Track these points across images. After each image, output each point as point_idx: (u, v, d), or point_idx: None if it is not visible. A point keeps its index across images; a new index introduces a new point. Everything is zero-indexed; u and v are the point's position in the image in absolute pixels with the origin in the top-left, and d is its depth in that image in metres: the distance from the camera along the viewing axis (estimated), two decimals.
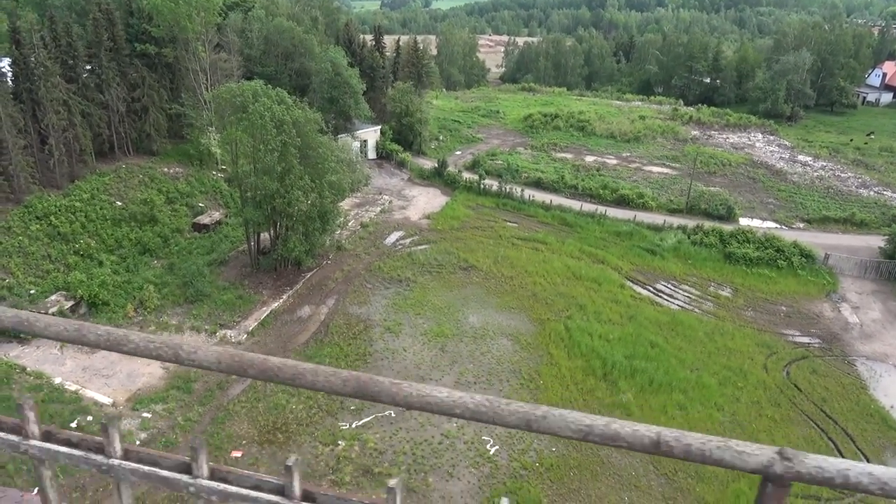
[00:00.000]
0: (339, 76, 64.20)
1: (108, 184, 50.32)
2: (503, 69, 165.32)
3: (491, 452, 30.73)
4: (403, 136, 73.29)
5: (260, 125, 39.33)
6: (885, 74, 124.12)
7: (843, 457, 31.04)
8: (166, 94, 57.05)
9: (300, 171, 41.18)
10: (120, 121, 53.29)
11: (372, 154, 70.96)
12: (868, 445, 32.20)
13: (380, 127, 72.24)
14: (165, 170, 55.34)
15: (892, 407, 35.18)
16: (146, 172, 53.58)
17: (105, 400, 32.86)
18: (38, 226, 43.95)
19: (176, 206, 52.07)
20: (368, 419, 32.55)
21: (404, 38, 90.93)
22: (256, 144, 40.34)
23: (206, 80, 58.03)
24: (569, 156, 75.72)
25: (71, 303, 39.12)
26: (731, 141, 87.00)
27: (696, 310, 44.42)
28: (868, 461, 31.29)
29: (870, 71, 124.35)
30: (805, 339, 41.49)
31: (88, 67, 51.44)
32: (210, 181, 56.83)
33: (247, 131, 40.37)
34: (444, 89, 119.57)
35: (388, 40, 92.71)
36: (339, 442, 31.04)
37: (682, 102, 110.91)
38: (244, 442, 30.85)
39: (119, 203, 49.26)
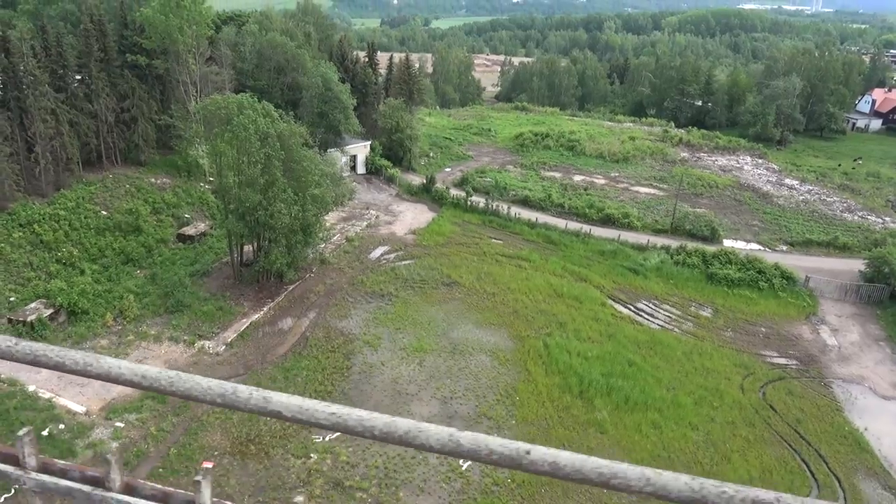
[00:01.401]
0: (330, 91, 64.73)
1: (93, 193, 50.44)
2: (499, 88, 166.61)
3: (463, 468, 30.65)
4: (393, 152, 73.75)
5: (244, 137, 39.62)
6: (874, 101, 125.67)
7: (815, 479, 31.18)
8: (156, 105, 57.39)
9: (283, 184, 41.42)
10: (108, 130, 53.54)
11: (361, 169, 71.34)
12: (840, 467, 32.26)
13: (370, 142, 72.71)
14: (153, 180, 55.53)
15: (865, 429, 35.29)
16: (133, 182, 53.75)
17: (78, 408, 32.73)
18: (20, 233, 43.98)
19: (161, 217, 52.18)
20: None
21: (398, 55, 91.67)
22: (240, 156, 40.61)
23: (197, 92, 58.45)
24: (557, 175, 76.23)
25: (50, 311, 39.04)
26: (720, 163, 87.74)
27: (676, 329, 44.58)
28: (840, 483, 31.39)
29: (860, 97, 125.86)
30: (783, 361, 41.65)
31: (79, 77, 51.80)
32: (197, 192, 57.00)
33: (231, 143, 40.65)
34: (437, 107, 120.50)
35: (383, 57, 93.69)
36: (312, 455, 30.94)
37: (673, 124, 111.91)
38: (216, 453, 30.74)
39: (104, 212, 49.36)
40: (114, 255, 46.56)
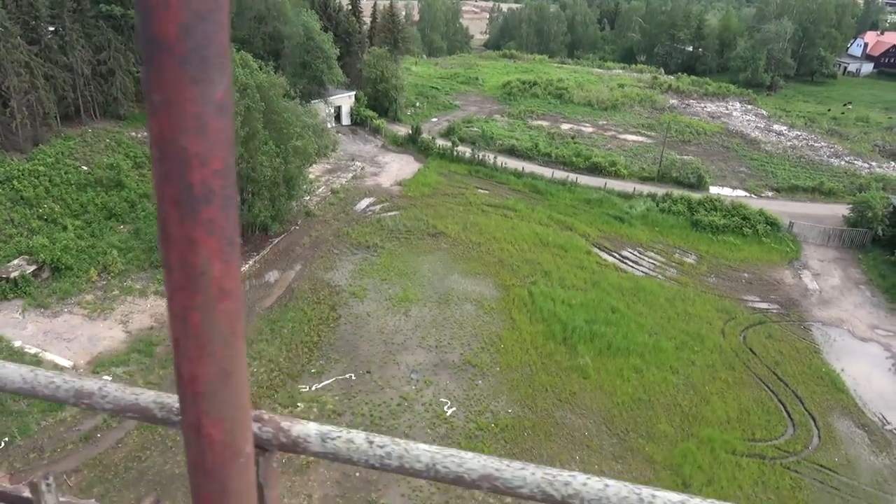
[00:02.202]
0: (312, 41, 63.36)
1: (73, 148, 49.71)
2: (487, 36, 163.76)
3: (448, 414, 31.25)
4: (379, 103, 72.77)
5: None
6: (866, 45, 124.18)
7: (791, 418, 31.99)
8: (133, 56, 56.03)
9: (265, 137, 40.92)
10: (85, 84, 52.40)
11: (346, 120, 70.46)
12: (816, 406, 33.05)
13: (354, 93, 71.62)
14: (133, 134, 54.69)
15: (842, 370, 36.04)
16: (113, 137, 52.95)
17: (65, 363, 32.97)
18: (0, 190, 43.49)
19: (144, 172, 51.53)
20: (328, 381, 32.95)
21: (382, 3, 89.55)
22: None
23: None
24: (545, 123, 75.55)
25: (33, 267, 38.92)
26: (709, 110, 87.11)
27: (660, 276, 44.96)
28: (815, 421, 32.24)
29: (852, 41, 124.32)
30: (764, 305, 42.19)
31: (52, 29, 50.42)
32: None
33: None
34: (424, 56, 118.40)
35: (367, 5, 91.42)
36: (299, 404, 31.41)
37: (663, 71, 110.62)
38: None
39: (85, 168, 48.74)
40: (96, 210, 46.16)
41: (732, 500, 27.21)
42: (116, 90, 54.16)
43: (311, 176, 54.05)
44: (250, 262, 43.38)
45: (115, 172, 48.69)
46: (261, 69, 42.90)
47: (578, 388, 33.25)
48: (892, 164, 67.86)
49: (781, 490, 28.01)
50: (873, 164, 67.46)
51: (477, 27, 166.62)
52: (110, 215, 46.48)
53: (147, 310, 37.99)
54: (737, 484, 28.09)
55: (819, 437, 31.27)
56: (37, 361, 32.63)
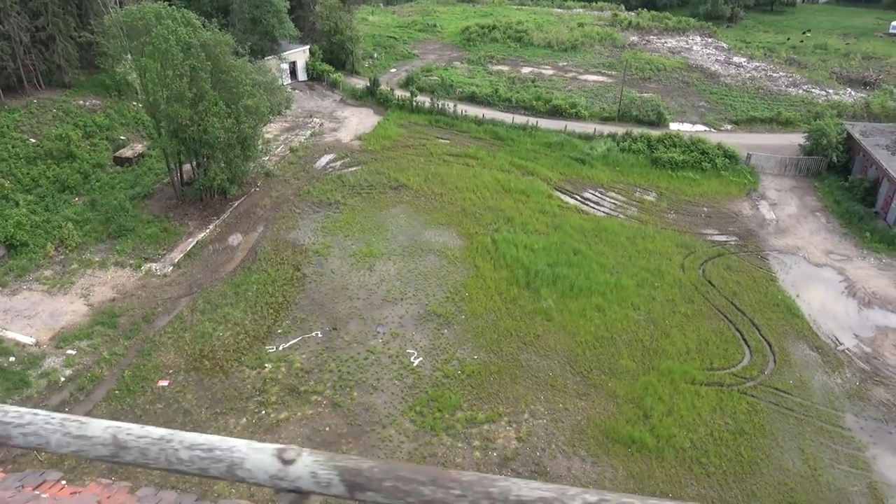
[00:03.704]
0: None
1: (18, 120, 48.17)
2: None
3: (415, 364, 31.72)
4: (335, 56, 71.20)
5: (164, 49, 37.77)
6: None
7: (748, 345, 32.96)
8: (74, 21, 53.94)
9: (214, 97, 39.98)
10: (25, 52, 50.46)
11: (302, 76, 68.98)
12: (772, 332, 34.09)
13: (308, 47, 69.91)
14: (81, 102, 53.09)
15: (797, 296, 37.10)
16: (60, 106, 51.35)
17: (27, 340, 32.72)
18: None
19: (95, 141, 50.29)
20: (295, 341, 33.16)
21: None
22: (164, 70, 38.85)
23: (117, 3, 54.95)
24: (505, 68, 74.67)
25: None
26: (669, 45, 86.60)
27: (621, 215, 45.42)
28: (771, 347, 33.29)
29: None
30: (723, 238, 42.97)
31: None
32: (131, 112, 54.80)
33: (153, 57, 38.77)
34: (381, 4, 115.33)
35: None
36: (266, 365, 31.65)
37: (623, 8, 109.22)
38: (171, 371, 31.26)
39: (33, 140, 47.37)
40: (48, 183, 45.10)
41: (691, 427, 28.28)
42: (59, 57, 52.28)
43: (269, 135, 53.19)
44: (210, 227, 42.94)
45: (65, 143, 47.40)
46: (205, 27, 41.57)
47: (542, 331, 33.87)
48: (849, 90, 68.45)
49: (738, 415, 29.10)
50: (830, 91, 67.98)
51: None
52: (63, 188, 45.47)
53: (108, 281, 37.63)
54: (696, 412, 29.10)
55: (775, 361, 32.37)
56: None
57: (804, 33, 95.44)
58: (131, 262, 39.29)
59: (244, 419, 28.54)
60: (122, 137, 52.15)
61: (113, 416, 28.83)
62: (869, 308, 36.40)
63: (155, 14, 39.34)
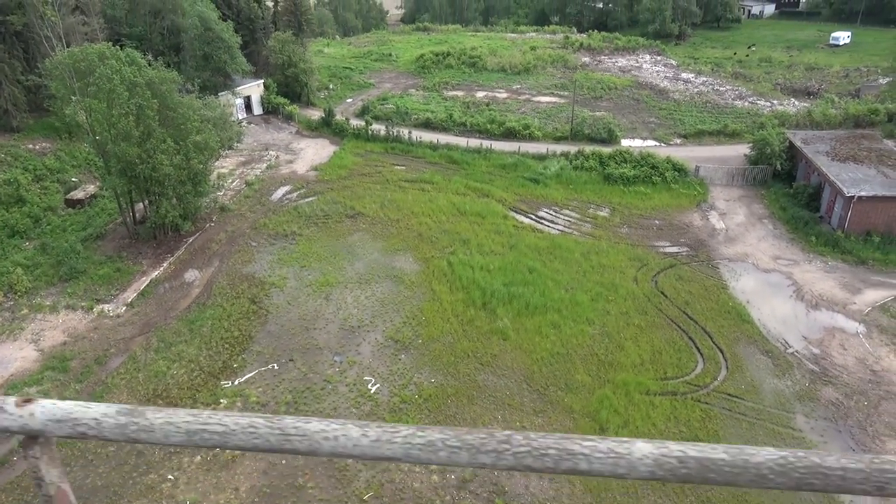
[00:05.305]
0: (211, 31, 61.68)
1: None
2: (403, 10, 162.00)
3: (372, 391, 31.60)
4: (290, 88, 71.65)
5: (109, 89, 37.69)
6: None
7: (700, 353, 33.47)
8: (20, 64, 53.64)
9: (162, 134, 39.93)
10: None
11: (258, 109, 69.17)
12: (723, 339, 34.70)
13: (262, 81, 70.24)
14: (30, 146, 52.58)
15: (748, 302, 37.87)
16: (8, 151, 50.77)
17: None
18: None
19: (46, 184, 49.75)
20: (251, 375, 32.85)
21: None
22: (110, 110, 38.72)
23: (64, 46, 54.65)
24: (460, 93, 75.74)
25: None
26: (620, 64, 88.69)
27: (575, 232, 46.07)
28: (723, 354, 33.86)
29: None
30: (675, 249, 43.78)
31: None
32: (82, 154, 54.35)
33: (97, 97, 38.65)
34: (337, 36, 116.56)
35: None
36: (222, 400, 31.25)
37: (575, 30, 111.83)
38: None
39: None
40: None
41: (646, 437, 28.49)
42: (6, 101, 51.84)
43: (224, 170, 53.17)
44: (164, 265, 42.54)
45: (14, 188, 46.86)
46: (150, 65, 41.62)
47: (499, 350, 34.04)
48: (793, 100, 70.68)
49: (692, 422, 29.47)
50: (775, 102, 70.11)
51: (392, 2, 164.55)
52: (13, 233, 44.82)
53: (59, 325, 36.98)
54: (650, 422, 29.40)
55: (727, 367, 32.91)
56: None
57: (749, 48, 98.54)
58: (83, 304, 38.69)
59: (198, 457, 28.10)
60: (73, 179, 51.64)
61: (64, 462, 28.16)
62: (816, 310, 37.29)
63: (98, 55, 39.31)
